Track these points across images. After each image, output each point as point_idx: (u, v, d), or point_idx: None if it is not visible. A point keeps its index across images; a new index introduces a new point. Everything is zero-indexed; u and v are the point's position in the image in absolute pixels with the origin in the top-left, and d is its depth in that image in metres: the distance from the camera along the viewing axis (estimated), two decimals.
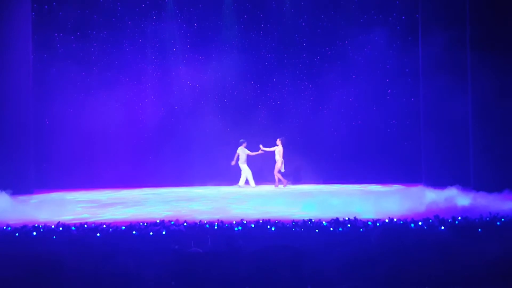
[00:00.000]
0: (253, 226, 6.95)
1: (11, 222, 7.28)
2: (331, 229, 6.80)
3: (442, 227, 6.71)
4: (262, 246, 5.49)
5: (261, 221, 7.08)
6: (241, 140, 13.58)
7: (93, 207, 9.92)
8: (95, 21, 13.99)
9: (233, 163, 13.52)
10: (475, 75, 11.05)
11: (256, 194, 11.79)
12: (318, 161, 14.01)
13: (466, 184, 11.26)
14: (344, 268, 5.76)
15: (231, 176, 14.03)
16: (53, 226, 7.00)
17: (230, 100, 14.51)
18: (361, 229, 6.77)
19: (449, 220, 6.96)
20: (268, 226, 6.91)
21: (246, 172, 13.50)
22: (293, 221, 7.07)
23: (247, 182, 13.57)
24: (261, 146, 13.48)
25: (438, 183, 11.94)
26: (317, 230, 6.78)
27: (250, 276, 5.09)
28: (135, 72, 14.25)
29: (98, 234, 6.67)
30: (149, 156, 14.29)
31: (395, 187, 12.52)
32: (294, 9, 14.39)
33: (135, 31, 14.19)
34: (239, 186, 13.49)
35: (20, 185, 11.07)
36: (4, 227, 6.98)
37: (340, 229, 6.78)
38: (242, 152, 13.50)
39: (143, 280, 5.33)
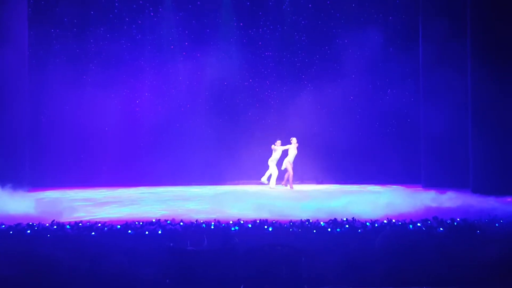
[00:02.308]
0: (250, 226, 6.89)
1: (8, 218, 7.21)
2: (329, 229, 6.75)
3: (441, 229, 6.67)
4: (259, 245, 5.44)
5: (258, 221, 7.01)
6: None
7: (89, 205, 9.83)
8: (92, 17, 13.89)
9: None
10: (475, 76, 11.02)
11: (256, 194, 11.69)
12: (316, 161, 13.95)
13: (465, 186, 11.25)
14: (342, 268, 5.72)
15: (229, 175, 13.98)
16: (47, 225, 6.92)
17: (228, 98, 14.44)
18: (359, 230, 6.72)
19: (448, 222, 6.93)
20: (265, 226, 6.85)
21: (273, 170, 13.10)
22: (290, 221, 7.01)
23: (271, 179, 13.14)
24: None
25: (437, 184, 11.95)
26: (314, 231, 6.73)
27: (246, 275, 5.04)
28: (132, 69, 14.15)
29: (93, 233, 6.60)
30: (146, 155, 14.20)
31: (394, 187, 12.49)
32: (293, 7, 14.32)
33: (132, 28, 14.09)
34: (270, 187, 12.99)
35: (14, 183, 10.92)
36: None
37: (338, 229, 6.73)
38: (279, 149, 13.04)
39: (138, 279, 5.28)
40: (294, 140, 12.99)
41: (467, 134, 11.38)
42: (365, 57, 13.91)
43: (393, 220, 7.08)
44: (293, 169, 13.00)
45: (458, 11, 11.92)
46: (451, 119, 12.21)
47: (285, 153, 13.12)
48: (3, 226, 6.91)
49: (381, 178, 13.56)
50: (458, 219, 7.04)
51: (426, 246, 6.14)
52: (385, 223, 6.95)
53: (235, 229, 6.76)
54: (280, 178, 13.23)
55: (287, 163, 12.95)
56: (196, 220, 7.14)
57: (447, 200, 9.11)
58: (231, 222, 7.03)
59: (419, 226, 6.81)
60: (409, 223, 6.87)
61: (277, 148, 13.04)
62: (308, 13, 14.28)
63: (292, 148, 12.96)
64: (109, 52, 13.94)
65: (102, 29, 13.93)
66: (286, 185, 13.07)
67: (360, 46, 13.83)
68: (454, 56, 12.03)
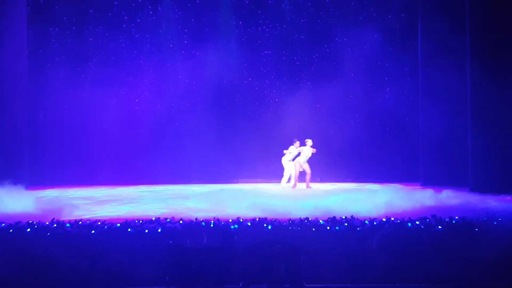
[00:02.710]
0: (249, 224, 6.91)
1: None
2: (328, 227, 6.77)
3: (439, 227, 6.70)
4: (258, 242, 5.45)
5: (257, 219, 7.03)
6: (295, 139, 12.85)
7: (88, 204, 9.84)
8: (91, 16, 13.90)
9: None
10: (474, 74, 11.05)
11: (252, 192, 11.71)
12: (315, 159, 13.95)
13: (464, 184, 11.29)
14: (341, 266, 5.75)
15: (228, 174, 13.99)
16: (47, 223, 6.94)
17: (227, 97, 14.46)
18: (358, 228, 6.75)
19: (446, 220, 6.96)
20: (265, 225, 6.87)
21: (289, 170, 12.80)
22: (289, 219, 7.03)
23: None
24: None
25: (435, 182, 11.99)
26: (313, 229, 6.75)
27: (245, 272, 5.05)
28: (131, 68, 14.16)
29: (93, 231, 6.62)
30: (145, 153, 14.22)
31: (393, 186, 12.52)
32: (292, 6, 14.33)
33: (131, 27, 14.10)
34: (282, 186, 12.68)
35: (14, 181, 10.92)
36: None
37: (337, 227, 6.75)
38: (295, 150, 12.71)
39: (138, 276, 5.30)
40: (309, 142, 12.68)
41: (466, 132, 11.41)
42: (364, 56, 13.93)
43: (392, 218, 7.11)
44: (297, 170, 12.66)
45: (457, 9, 11.93)
46: (450, 118, 12.24)
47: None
48: (3, 224, 6.91)
49: (380, 177, 13.58)
50: (456, 217, 7.07)
51: (425, 244, 6.17)
52: (383, 221, 6.97)
53: (235, 227, 6.78)
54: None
55: (297, 163, 12.62)
56: (196, 219, 7.16)
57: (445, 199, 9.15)
58: (230, 220, 7.05)
59: (417, 224, 6.84)
60: (408, 221, 6.90)
61: (293, 151, 12.74)
62: (307, 11, 14.29)
63: (306, 150, 12.62)
64: (108, 51, 13.95)
65: (101, 27, 13.93)
66: (308, 186, 12.60)
67: (359, 44, 13.86)
68: (453, 55, 12.06)
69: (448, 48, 12.13)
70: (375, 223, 6.90)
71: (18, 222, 6.89)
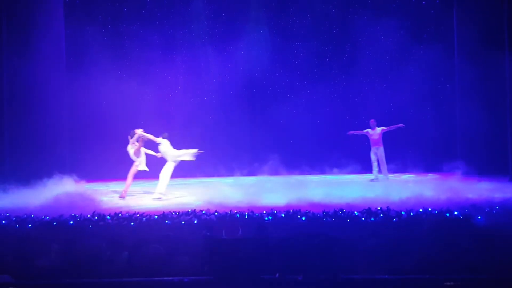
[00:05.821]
0: (283, 215, 6.95)
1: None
2: (363, 219, 6.73)
3: (479, 217, 6.54)
4: (293, 234, 5.48)
5: (291, 211, 7.07)
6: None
7: (127, 197, 10.12)
8: (125, 13, 14.21)
9: None
10: None
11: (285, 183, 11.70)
12: (353, 150, 13.59)
13: (504, 174, 10.95)
14: (377, 257, 5.70)
15: (259, 166, 14.03)
16: (89, 216, 7.20)
17: (258, 89, 14.50)
18: (394, 219, 6.67)
19: (486, 210, 6.79)
20: (299, 216, 6.89)
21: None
22: (323, 211, 7.03)
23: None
24: None
25: (475, 172, 11.65)
26: (348, 220, 6.72)
27: (281, 263, 5.09)
28: (164, 64, 14.41)
29: (132, 223, 6.82)
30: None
31: (430, 176, 12.26)
32: None
33: (164, 23, 14.33)
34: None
35: (59, 177, 11.32)
36: (43, 217, 7.22)
37: (372, 219, 6.70)
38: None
39: (176, 266, 5.42)
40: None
41: (505, 121, 11.04)
42: (398, 43, 13.62)
43: (429, 209, 6.99)
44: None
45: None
46: (488, 106, 11.86)
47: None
48: (47, 217, 7.22)
49: (417, 167, 13.23)
50: (497, 207, 6.89)
51: (464, 234, 6.03)
52: (420, 212, 6.87)
53: (269, 219, 6.83)
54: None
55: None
56: (231, 210, 7.26)
57: (485, 188, 8.92)
58: (264, 212, 7.12)
59: (456, 214, 6.70)
60: (446, 212, 6.77)
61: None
62: (338, 1, 14.10)
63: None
64: (142, 48, 14.22)
65: (135, 25, 14.22)
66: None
67: (393, 33, 13.54)
68: (491, 41, 11.64)
69: (486, 33, 11.72)
70: (411, 214, 6.81)
71: (61, 216, 7.17)
